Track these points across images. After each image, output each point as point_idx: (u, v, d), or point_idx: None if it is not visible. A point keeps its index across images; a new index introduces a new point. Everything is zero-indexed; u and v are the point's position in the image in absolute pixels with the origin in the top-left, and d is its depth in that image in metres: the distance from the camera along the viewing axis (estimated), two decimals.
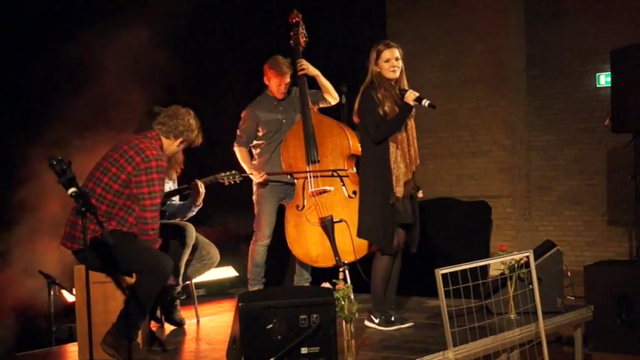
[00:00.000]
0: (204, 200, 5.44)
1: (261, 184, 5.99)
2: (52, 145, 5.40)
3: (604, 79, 9.45)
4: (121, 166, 4.39)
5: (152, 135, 4.57)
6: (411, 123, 5.15)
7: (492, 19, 9.90)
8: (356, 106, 5.19)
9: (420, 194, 5.39)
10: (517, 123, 10.02)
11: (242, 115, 6.07)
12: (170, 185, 5.53)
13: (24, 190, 5.75)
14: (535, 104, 10.17)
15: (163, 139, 4.59)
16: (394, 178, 5.02)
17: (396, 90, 5.10)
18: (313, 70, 6.02)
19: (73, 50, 5.94)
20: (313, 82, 6.07)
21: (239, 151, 6.05)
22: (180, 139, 4.63)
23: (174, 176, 5.54)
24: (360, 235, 5.20)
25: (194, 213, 5.53)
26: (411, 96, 5.01)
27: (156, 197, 4.37)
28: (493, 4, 9.89)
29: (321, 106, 6.09)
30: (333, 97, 6.07)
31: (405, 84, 5.16)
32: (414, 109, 5.08)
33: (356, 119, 5.24)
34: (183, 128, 4.60)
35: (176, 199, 5.60)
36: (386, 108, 5.01)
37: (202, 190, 5.38)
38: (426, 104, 4.99)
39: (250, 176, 5.93)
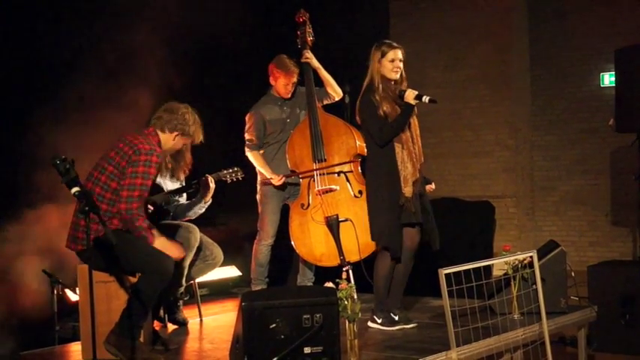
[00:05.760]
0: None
1: (265, 183, 5.97)
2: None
3: (608, 79, 9.44)
4: (117, 164, 4.40)
5: (149, 131, 4.60)
6: (414, 121, 5.14)
7: (496, 19, 9.88)
8: (357, 108, 5.18)
9: (433, 186, 5.38)
10: (521, 123, 10.01)
11: (246, 118, 6.01)
12: (177, 185, 5.51)
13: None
14: (539, 104, 10.15)
15: (160, 134, 4.61)
16: (402, 178, 5.00)
17: (396, 91, 5.10)
18: (316, 62, 6.00)
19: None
20: (315, 78, 6.05)
21: (253, 156, 5.95)
22: (176, 133, 4.64)
23: (182, 177, 5.50)
24: (373, 238, 5.18)
25: (203, 210, 5.51)
26: (410, 95, 5.00)
27: (134, 190, 4.33)
28: (497, 4, 9.87)
29: (325, 102, 6.07)
30: (335, 92, 6.04)
31: (404, 87, 5.13)
32: (415, 108, 5.07)
33: (359, 120, 5.23)
34: (177, 122, 4.62)
35: (183, 200, 5.59)
36: (385, 108, 5.00)
37: (212, 185, 5.37)
38: (427, 100, 4.98)
39: (270, 181, 5.89)
